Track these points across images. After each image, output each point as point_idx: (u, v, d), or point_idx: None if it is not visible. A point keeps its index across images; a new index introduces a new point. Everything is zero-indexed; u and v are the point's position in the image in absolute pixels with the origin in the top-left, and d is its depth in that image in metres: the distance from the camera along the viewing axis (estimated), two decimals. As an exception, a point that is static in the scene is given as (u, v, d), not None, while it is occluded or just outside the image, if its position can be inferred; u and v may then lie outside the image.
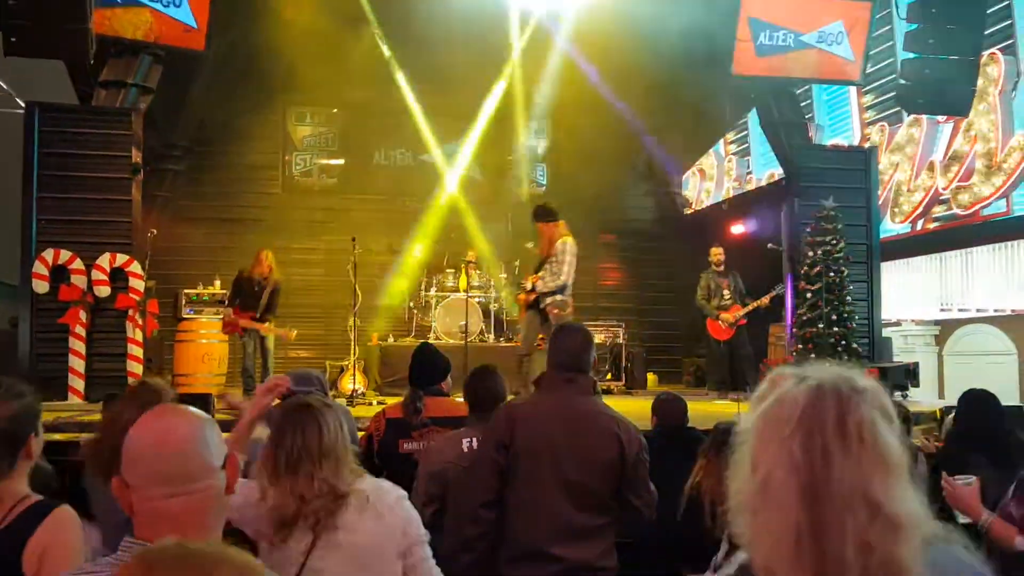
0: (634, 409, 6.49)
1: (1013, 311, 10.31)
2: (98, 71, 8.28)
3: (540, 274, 7.55)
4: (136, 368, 7.95)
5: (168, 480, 1.46)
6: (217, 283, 9.76)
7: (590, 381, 2.99)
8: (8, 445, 2.12)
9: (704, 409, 6.98)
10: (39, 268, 7.77)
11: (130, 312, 8.04)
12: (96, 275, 7.91)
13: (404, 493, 2.41)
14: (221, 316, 8.79)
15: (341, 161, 12.51)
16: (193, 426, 1.52)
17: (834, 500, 1.08)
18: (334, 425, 2.39)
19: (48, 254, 7.80)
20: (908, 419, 4.54)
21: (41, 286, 7.78)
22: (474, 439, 3.37)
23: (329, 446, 2.33)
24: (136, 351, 8.05)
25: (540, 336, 7.63)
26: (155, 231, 8.68)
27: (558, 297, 7.44)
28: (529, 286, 7.58)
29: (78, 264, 7.87)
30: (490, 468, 2.80)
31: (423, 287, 10.58)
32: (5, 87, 13.01)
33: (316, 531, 2.23)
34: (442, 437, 3.71)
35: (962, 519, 2.89)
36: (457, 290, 10.25)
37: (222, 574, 0.98)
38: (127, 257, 8.04)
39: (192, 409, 1.57)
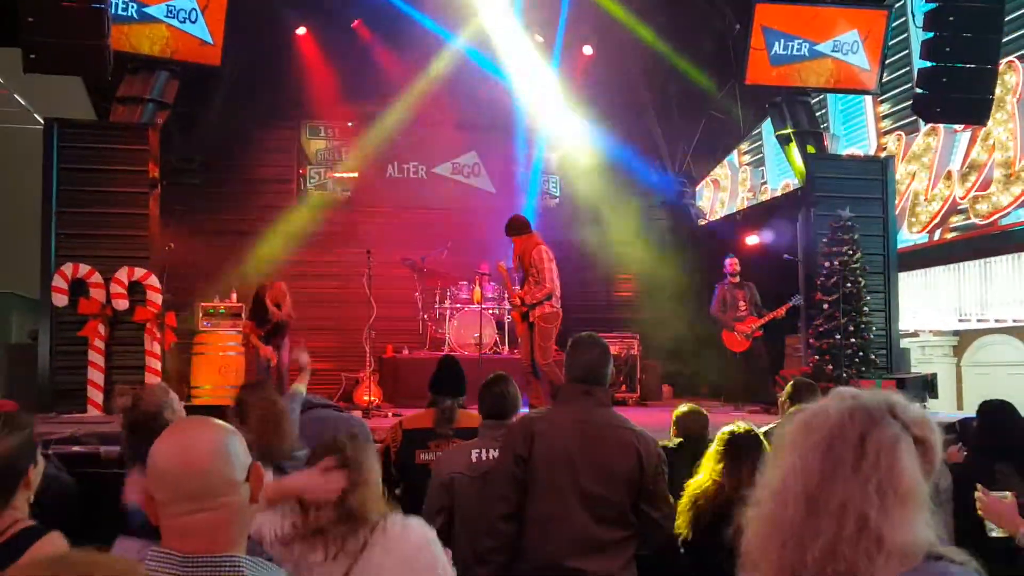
0: (650, 421, 6.50)
1: (1033, 321, 10.25)
2: (116, 87, 8.40)
3: (525, 288, 7.49)
4: (154, 380, 8.00)
5: (192, 497, 1.48)
6: (234, 296, 9.84)
7: (607, 393, 2.99)
8: (9, 478, 2.20)
9: (721, 422, 6.94)
10: (58, 282, 7.88)
11: (148, 325, 8.12)
12: (115, 288, 8.00)
13: (434, 535, 2.41)
14: (240, 328, 8.87)
15: (355, 174, 12.61)
16: (216, 441, 1.54)
17: (830, 511, 1.14)
18: (368, 460, 2.45)
19: (67, 268, 7.90)
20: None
21: (60, 299, 7.88)
22: (483, 450, 3.39)
23: (360, 480, 2.38)
24: (154, 363, 8.13)
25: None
26: (172, 245, 8.76)
27: (546, 309, 7.38)
28: (518, 302, 7.51)
29: (97, 278, 7.96)
30: (508, 480, 2.81)
31: (437, 299, 10.61)
32: (24, 103, 13.21)
33: (345, 572, 2.27)
34: (452, 448, 3.74)
35: (995, 532, 2.85)
36: (471, 302, 10.29)
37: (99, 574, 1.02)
38: (145, 271, 8.12)
39: (216, 422, 1.60)
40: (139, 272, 8.10)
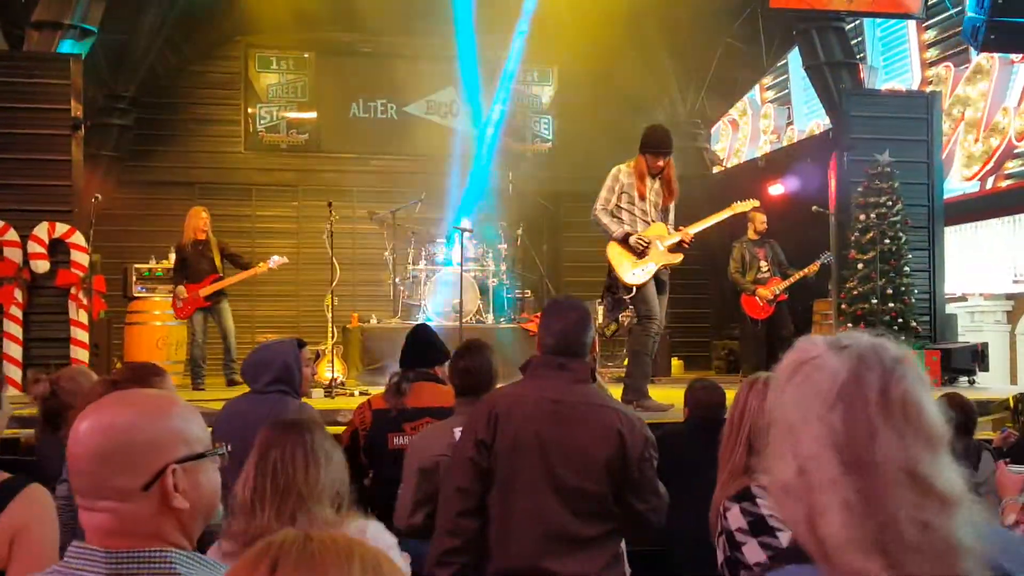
0: (657, 398, 6.57)
1: (1098, 283, 10.33)
2: (30, 9, 8.27)
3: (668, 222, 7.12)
4: (81, 354, 8.01)
5: (79, 491, 1.48)
6: (172, 256, 9.81)
7: (586, 367, 2.94)
8: None
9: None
10: (-35, 241, 7.84)
11: (73, 290, 8.10)
12: (33, 247, 7.96)
13: (394, 542, 2.41)
14: (171, 299, 8.82)
15: (313, 114, 12.52)
16: (108, 431, 1.47)
17: (883, 475, 1.14)
18: (328, 454, 2.37)
19: (-25, 224, 7.87)
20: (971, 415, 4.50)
21: (-32, 261, 7.85)
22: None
23: (322, 483, 2.31)
24: (81, 335, 8.12)
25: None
26: (99, 196, 8.71)
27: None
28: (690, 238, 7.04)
29: (12, 235, 7.92)
30: (469, 471, 2.77)
31: (410, 259, 10.58)
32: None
33: None
34: (430, 427, 3.70)
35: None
36: (450, 262, 10.27)
37: (353, 569, 1.00)
38: (68, 227, 8.09)
39: (139, 401, 1.55)
40: (61, 228, 8.05)
